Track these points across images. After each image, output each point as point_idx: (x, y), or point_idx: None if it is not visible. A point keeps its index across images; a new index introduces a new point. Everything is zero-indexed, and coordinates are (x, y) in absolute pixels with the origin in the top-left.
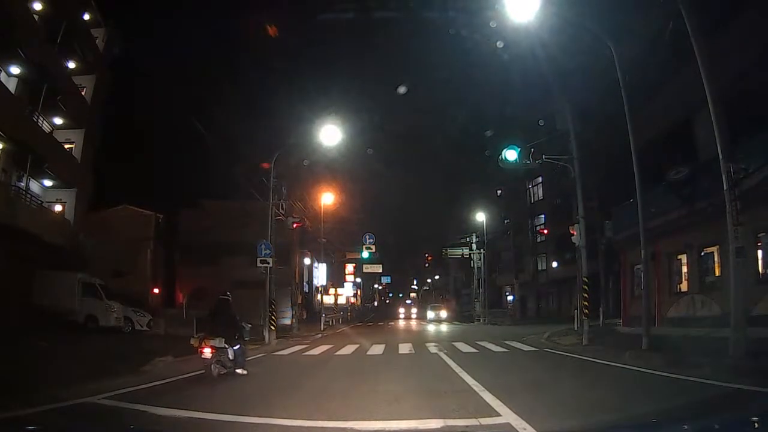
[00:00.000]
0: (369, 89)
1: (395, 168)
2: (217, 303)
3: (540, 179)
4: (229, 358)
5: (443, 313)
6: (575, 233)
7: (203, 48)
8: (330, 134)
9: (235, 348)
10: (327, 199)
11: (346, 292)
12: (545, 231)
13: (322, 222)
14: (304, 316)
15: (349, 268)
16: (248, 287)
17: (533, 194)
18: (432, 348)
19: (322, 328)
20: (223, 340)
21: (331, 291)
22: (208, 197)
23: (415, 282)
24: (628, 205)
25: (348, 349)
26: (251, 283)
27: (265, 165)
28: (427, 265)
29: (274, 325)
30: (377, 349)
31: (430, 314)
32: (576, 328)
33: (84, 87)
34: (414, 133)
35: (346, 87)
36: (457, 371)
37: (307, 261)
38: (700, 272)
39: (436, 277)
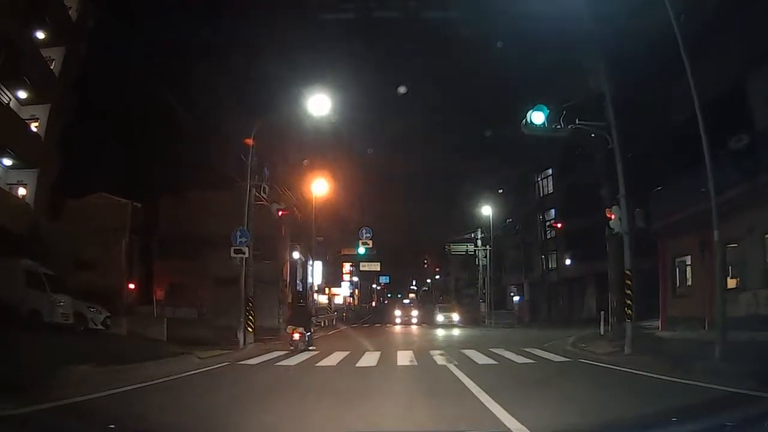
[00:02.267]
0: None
1: (395, 162)
2: (297, 308)
3: (550, 171)
4: (305, 340)
5: (455, 316)
6: (613, 217)
7: (189, 25)
8: (319, 104)
9: (308, 334)
10: (320, 188)
11: (343, 292)
12: (559, 225)
13: (314, 214)
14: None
15: (346, 267)
16: (232, 284)
17: (542, 188)
18: (438, 357)
19: (312, 330)
20: (303, 329)
21: (326, 290)
22: (192, 185)
23: (414, 283)
24: (671, 187)
25: (334, 358)
26: (236, 280)
27: (248, 141)
28: (426, 265)
29: (251, 327)
30: (370, 359)
31: (440, 318)
32: (602, 333)
33: (53, 59)
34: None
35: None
36: (478, 396)
37: (296, 255)
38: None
39: (437, 277)
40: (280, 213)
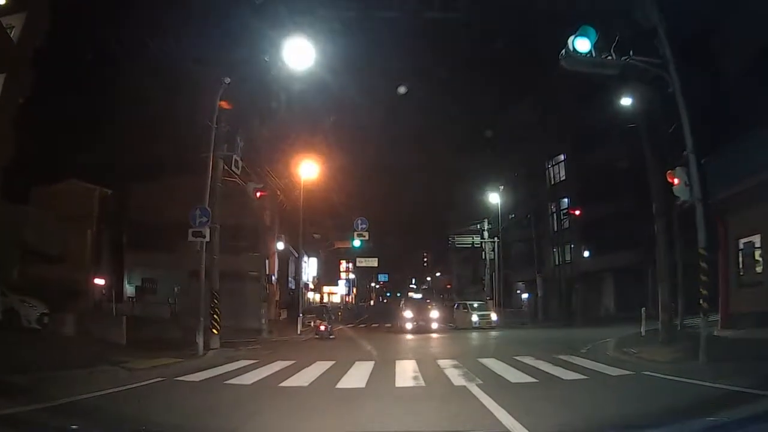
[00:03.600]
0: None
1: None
2: (320, 307)
3: (562, 157)
4: (329, 329)
5: (494, 317)
6: (677, 181)
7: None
8: (300, 54)
9: (330, 326)
10: (310, 172)
11: (340, 291)
12: (577, 212)
13: (303, 199)
14: (282, 316)
15: (343, 265)
16: (236, 279)
17: (554, 175)
18: (452, 372)
19: (299, 332)
20: (327, 322)
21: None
22: (168, 169)
23: (413, 281)
24: (737, 149)
25: (311, 372)
26: (220, 274)
27: (223, 103)
28: (425, 263)
29: (217, 328)
30: (359, 374)
31: (475, 319)
32: (643, 333)
33: (13, 27)
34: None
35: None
36: None
37: (281, 245)
38: None
39: (437, 274)
40: (258, 194)
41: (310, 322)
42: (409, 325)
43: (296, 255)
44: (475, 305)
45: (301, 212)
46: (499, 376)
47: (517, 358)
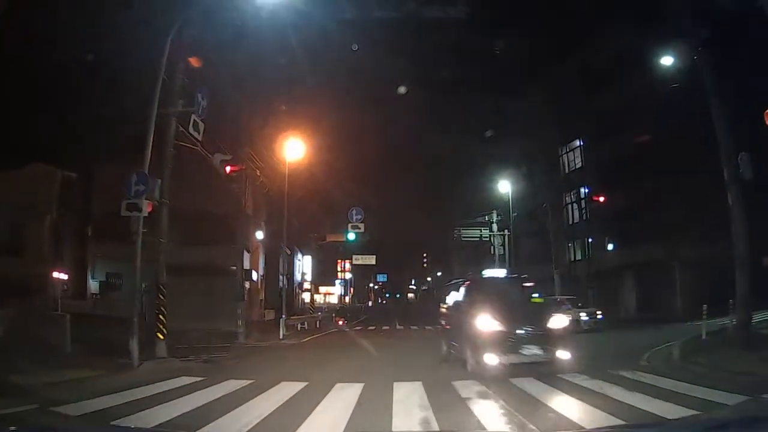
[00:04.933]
0: None
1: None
2: (340, 308)
3: (578, 142)
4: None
5: (600, 316)
6: None
7: None
8: None
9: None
10: (297, 151)
11: (336, 291)
12: (601, 198)
13: (291, 191)
14: (268, 317)
15: (341, 264)
16: (185, 274)
17: (568, 163)
18: (480, 406)
19: (281, 336)
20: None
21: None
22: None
23: (413, 282)
24: None
25: (263, 405)
26: (188, 269)
27: (193, 61)
28: (425, 263)
29: (162, 332)
30: (336, 411)
31: (585, 318)
32: (705, 336)
33: None
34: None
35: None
36: None
37: (260, 235)
38: None
39: (438, 273)
40: (228, 169)
41: (296, 325)
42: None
43: (288, 252)
44: (576, 301)
45: (285, 196)
46: (559, 414)
47: (563, 376)
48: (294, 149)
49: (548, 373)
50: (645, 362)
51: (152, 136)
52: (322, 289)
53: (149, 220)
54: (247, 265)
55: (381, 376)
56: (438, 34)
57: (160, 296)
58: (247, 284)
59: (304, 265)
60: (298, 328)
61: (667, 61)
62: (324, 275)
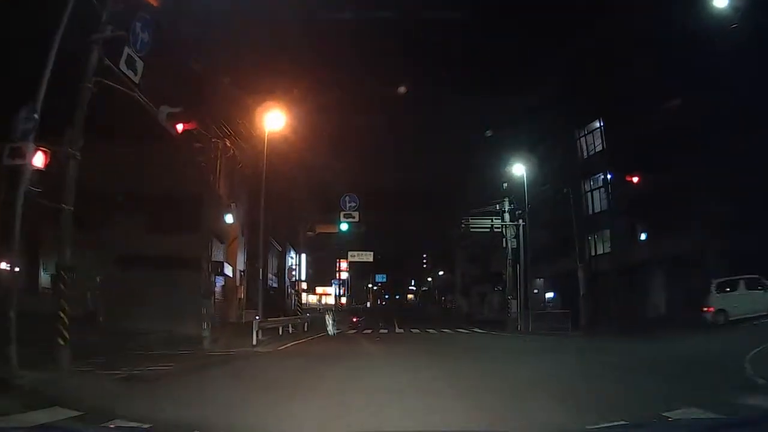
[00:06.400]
0: None
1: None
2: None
3: (597, 124)
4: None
5: None
6: None
7: None
8: None
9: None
10: (275, 121)
11: (333, 291)
12: (635, 179)
13: (274, 172)
14: (246, 319)
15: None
16: (147, 267)
17: (586, 146)
18: None
19: (254, 342)
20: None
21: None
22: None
23: (413, 283)
24: None
25: None
26: (149, 260)
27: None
28: (425, 264)
29: (64, 337)
30: None
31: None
32: None
33: None
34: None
35: None
36: None
37: (229, 219)
38: None
39: (440, 273)
40: (180, 126)
41: (278, 328)
42: None
43: (279, 248)
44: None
45: (264, 166)
46: None
47: (667, 414)
48: (274, 119)
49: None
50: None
51: (52, 60)
52: (319, 289)
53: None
54: (220, 257)
55: (365, 412)
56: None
57: (60, 286)
58: (221, 280)
59: (297, 263)
60: (280, 332)
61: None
62: (322, 275)
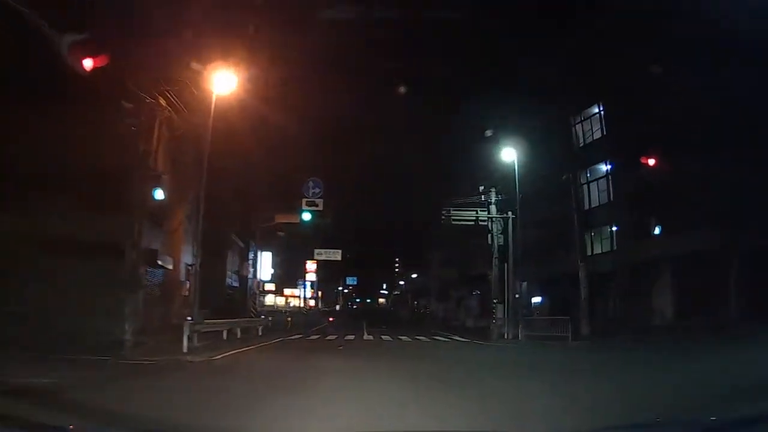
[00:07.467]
0: None
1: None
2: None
3: (596, 109)
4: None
5: None
6: None
7: None
8: None
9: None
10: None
11: (301, 293)
12: (651, 161)
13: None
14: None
15: (309, 265)
16: (75, 252)
17: (584, 133)
18: None
19: (185, 350)
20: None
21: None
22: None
23: (384, 286)
24: None
25: None
26: (64, 245)
27: None
28: (397, 268)
29: None
30: None
31: None
32: None
33: None
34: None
35: None
36: None
37: (160, 195)
38: None
39: (414, 275)
40: (88, 62)
41: (222, 332)
42: None
43: (241, 245)
44: None
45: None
46: None
47: None
48: (225, 81)
49: None
50: None
51: None
52: (287, 291)
53: None
54: (157, 245)
55: None
56: None
57: None
58: (160, 274)
59: (261, 263)
60: (224, 337)
61: None
62: (291, 277)
